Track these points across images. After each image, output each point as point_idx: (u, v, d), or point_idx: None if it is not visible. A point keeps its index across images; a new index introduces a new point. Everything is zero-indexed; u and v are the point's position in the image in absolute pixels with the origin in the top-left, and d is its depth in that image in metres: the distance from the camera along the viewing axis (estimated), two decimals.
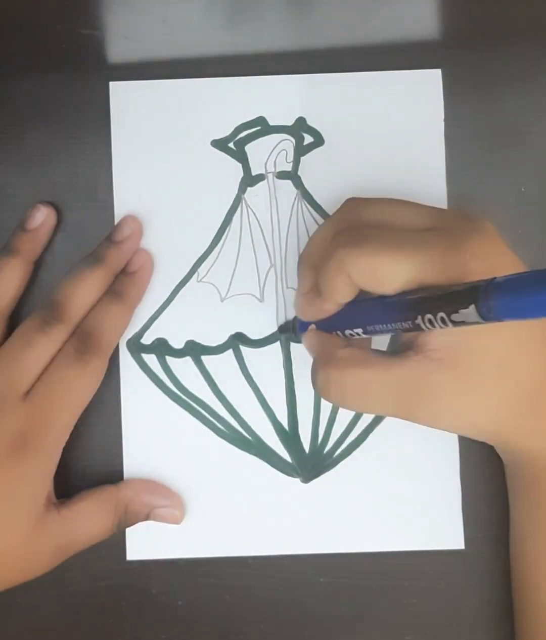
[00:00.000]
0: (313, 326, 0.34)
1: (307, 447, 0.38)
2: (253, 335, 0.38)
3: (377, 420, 0.37)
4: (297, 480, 0.38)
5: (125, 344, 0.38)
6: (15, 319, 0.37)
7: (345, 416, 0.38)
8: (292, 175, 0.38)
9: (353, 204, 0.33)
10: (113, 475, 0.37)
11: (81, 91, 0.38)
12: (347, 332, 0.32)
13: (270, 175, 0.38)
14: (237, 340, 0.37)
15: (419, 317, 0.28)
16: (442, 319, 0.27)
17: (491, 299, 0.25)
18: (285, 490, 0.37)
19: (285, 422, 0.38)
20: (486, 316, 0.25)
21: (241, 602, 0.37)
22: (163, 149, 0.38)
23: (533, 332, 0.30)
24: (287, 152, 0.38)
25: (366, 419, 0.38)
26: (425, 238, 0.29)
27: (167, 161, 0.38)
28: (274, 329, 0.38)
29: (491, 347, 0.30)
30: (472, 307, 0.25)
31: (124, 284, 0.37)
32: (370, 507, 0.37)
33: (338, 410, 0.38)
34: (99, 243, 0.37)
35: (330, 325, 0.33)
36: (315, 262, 0.33)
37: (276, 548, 0.37)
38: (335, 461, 0.37)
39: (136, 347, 0.38)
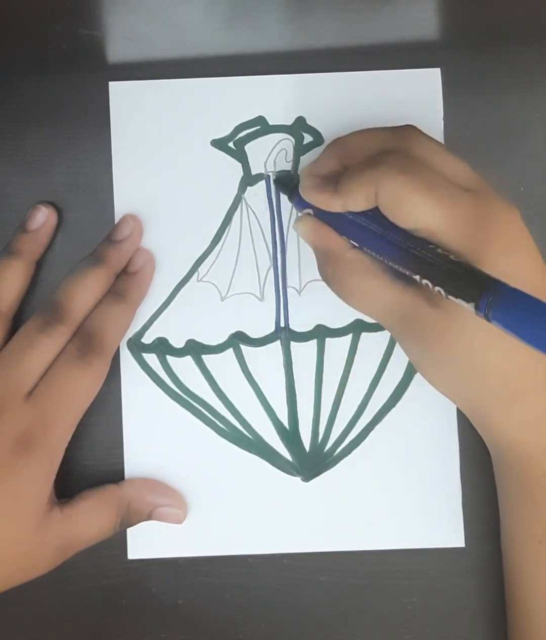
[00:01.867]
0: (309, 212, 0.33)
1: (307, 445, 0.38)
2: (254, 334, 0.38)
3: (377, 419, 0.38)
4: (298, 479, 0.38)
5: (126, 344, 0.38)
6: (16, 319, 0.37)
7: (345, 415, 0.38)
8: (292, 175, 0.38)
9: (411, 132, 0.32)
10: (114, 475, 0.37)
11: (81, 91, 0.38)
12: (343, 236, 0.32)
13: (270, 175, 0.38)
14: (237, 339, 0.38)
15: (418, 277, 0.28)
16: (439, 292, 0.27)
17: (494, 304, 0.25)
18: (285, 489, 0.37)
19: (285, 421, 0.38)
20: (483, 313, 0.25)
21: (241, 601, 0.38)
22: (163, 149, 0.38)
23: None
24: (286, 152, 0.38)
25: (366, 418, 0.38)
26: (460, 196, 0.30)
27: (167, 161, 0.38)
28: (273, 328, 0.38)
29: None
30: (472, 306, 0.26)
31: (125, 284, 0.37)
32: (370, 506, 0.37)
33: (338, 409, 0.38)
34: (99, 243, 0.37)
35: (330, 220, 0.33)
36: (346, 153, 0.32)
37: (276, 547, 0.37)
38: (336, 460, 0.38)
39: (137, 347, 0.38)
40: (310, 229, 0.33)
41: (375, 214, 0.31)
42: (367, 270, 0.32)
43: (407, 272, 0.29)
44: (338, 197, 0.31)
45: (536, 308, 0.25)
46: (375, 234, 0.31)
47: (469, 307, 0.26)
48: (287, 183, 0.36)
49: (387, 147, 0.31)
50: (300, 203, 0.34)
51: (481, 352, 0.31)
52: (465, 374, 0.31)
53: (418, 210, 0.29)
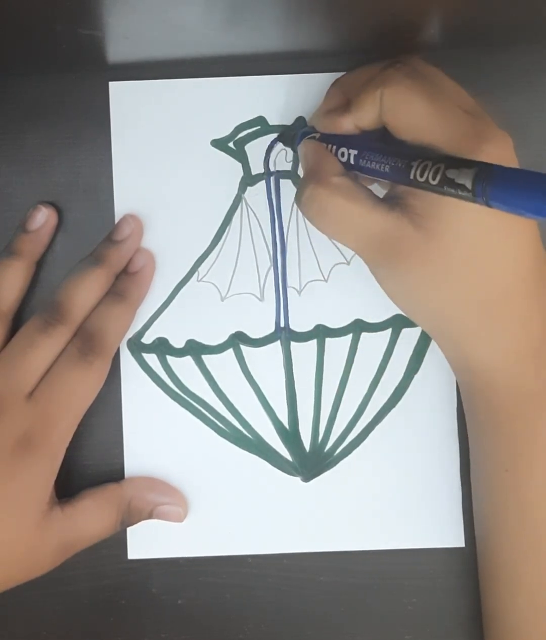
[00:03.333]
0: (315, 135, 0.34)
1: (307, 445, 0.38)
2: (254, 334, 0.38)
3: (378, 420, 0.38)
4: (298, 479, 0.38)
5: (126, 344, 0.38)
6: (16, 319, 0.37)
7: (345, 415, 0.38)
8: (292, 175, 0.38)
9: (415, 56, 0.33)
10: (114, 474, 0.37)
11: (81, 91, 0.38)
12: (341, 150, 0.32)
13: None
14: (238, 340, 0.38)
15: (416, 162, 0.28)
16: (436, 170, 0.27)
17: (492, 180, 0.25)
18: (285, 489, 0.37)
19: (285, 421, 0.38)
20: (478, 193, 0.25)
21: (241, 601, 0.38)
22: (163, 149, 0.38)
23: (513, 238, 0.31)
24: (286, 152, 0.38)
25: (366, 418, 0.38)
26: (461, 114, 0.30)
27: (167, 161, 0.38)
28: (273, 328, 0.38)
29: (470, 232, 0.30)
30: (471, 174, 0.26)
31: (126, 284, 0.37)
32: (370, 506, 0.37)
33: (338, 409, 0.38)
34: (99, 243, 0.37)
35: (331, 139, 0.33)
36: (348, 88, 0.33)
37: (276, 547, 0.37)
38: (336, 460, 0.38)
39: (137, 347, 0.38)
40: (310, 149, 0.33)
41: (380, 137, 0.31)
42: (350, 195, 0.31)
43: (405, 164, 0.29)
44: (349, 114, 0.32)
45: (534, 179, 0.24)
46: (374, 145, 0.31)
47: (467, 189, 0.26)
48: (288, 135, 0.37)
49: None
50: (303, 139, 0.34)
51: (464, 273, 0.31)
52: (444, 298, 0.31)
53: (419, 117, 0.30)
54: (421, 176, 0.28)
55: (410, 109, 0.30)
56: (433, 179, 0.27)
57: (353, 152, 0.32)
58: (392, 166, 0.29)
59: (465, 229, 0.30)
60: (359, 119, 0.32)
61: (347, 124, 0.32)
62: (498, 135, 0.30)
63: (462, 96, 0.32)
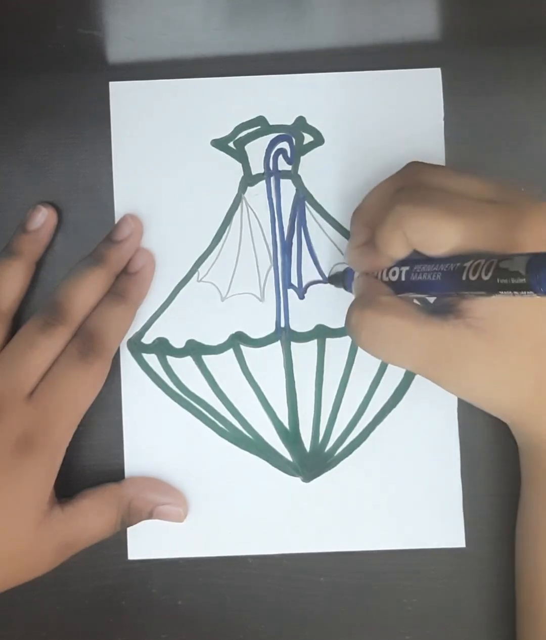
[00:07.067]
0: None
1: (307, 446, 0.38)
2: (254, 334, 0.38)
3: (378, 420, 0.38)
4: (298, 479, 0.38)
5: (126, 344, 0.38)
6: (16, 319, 0.37)
7: (346, 416, 0.38)
8: (292, 175, 0.38)
9: (416, 167, 0.32)
10: (114, 475, 0.37)
11: (81, 91, 0.38)
12: (393, 269, 0.31)
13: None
14: (238, 340, 0.38)
15: (469, 262, 0.27)
16: (489, 266, 0.26)
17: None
18: (285, 490, 0.37)
19: (285, 421, 0.38)
20: (534, 280, 0.25)
21: (241, 602, 0.38)
22: (163, 149, 0.38)
23: None
24: (287, 151, 0.38)
25: (367, 418, 0.38)
26: (484, 209, 0.29)
27: (167, 161, 0.38)
28: (273, 328, 0.38)
29: (530, 323, 0.30)
30: (524, 261, 0.25)
31: (126, 284, 0.37)
32: (370, 506, 0.37)
33: (339, 408, 0.38)
34: (99, 243, 0.37)
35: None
36: (369, 219, 0.32)
37: (276, 547, 0.37)
38: (336, 460, 0.37)
39: (137, 347, 0.38)
40: (360, 281, 0.33)
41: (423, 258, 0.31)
42: (400, 311, 0.30)
43: (456, 265, 0.28)
44: (379, 254, 0.31)
45: None
46: (420, 259, 0.30)
47: (521, 281, 0.25)
48: (338, 277, 0.37)
49: (397, 189, 0.31)
50: (352, 278, 0.34)
51: (527, 361, 0.30)
52: (512, 387, 0.31)
53: (449, 236, 0.29)
54: (473, 274, 0.27)
55: (438, 234, 0.29)
56: (486, 274, 0.26)
57: (405, 268, 0.31)
58: (444, 272, 0.29)
59: (524, 320, 0.30)
60: (393, 255, 0.31)
61: (384, 262, 0.32)
62: (530, 214, 0.29)
63: (479, 187, 0.31)
